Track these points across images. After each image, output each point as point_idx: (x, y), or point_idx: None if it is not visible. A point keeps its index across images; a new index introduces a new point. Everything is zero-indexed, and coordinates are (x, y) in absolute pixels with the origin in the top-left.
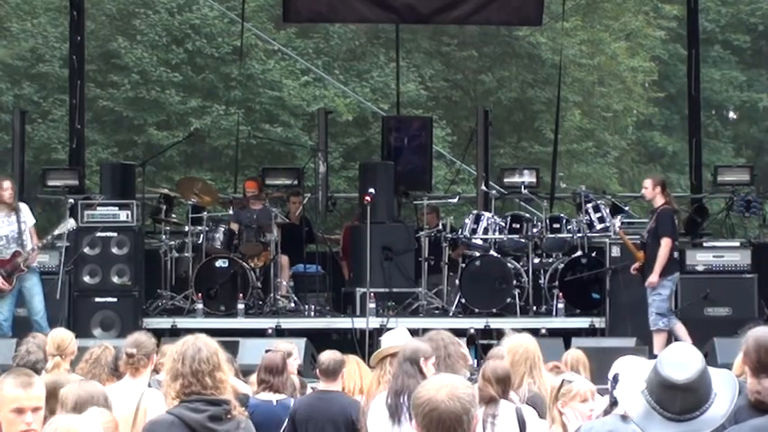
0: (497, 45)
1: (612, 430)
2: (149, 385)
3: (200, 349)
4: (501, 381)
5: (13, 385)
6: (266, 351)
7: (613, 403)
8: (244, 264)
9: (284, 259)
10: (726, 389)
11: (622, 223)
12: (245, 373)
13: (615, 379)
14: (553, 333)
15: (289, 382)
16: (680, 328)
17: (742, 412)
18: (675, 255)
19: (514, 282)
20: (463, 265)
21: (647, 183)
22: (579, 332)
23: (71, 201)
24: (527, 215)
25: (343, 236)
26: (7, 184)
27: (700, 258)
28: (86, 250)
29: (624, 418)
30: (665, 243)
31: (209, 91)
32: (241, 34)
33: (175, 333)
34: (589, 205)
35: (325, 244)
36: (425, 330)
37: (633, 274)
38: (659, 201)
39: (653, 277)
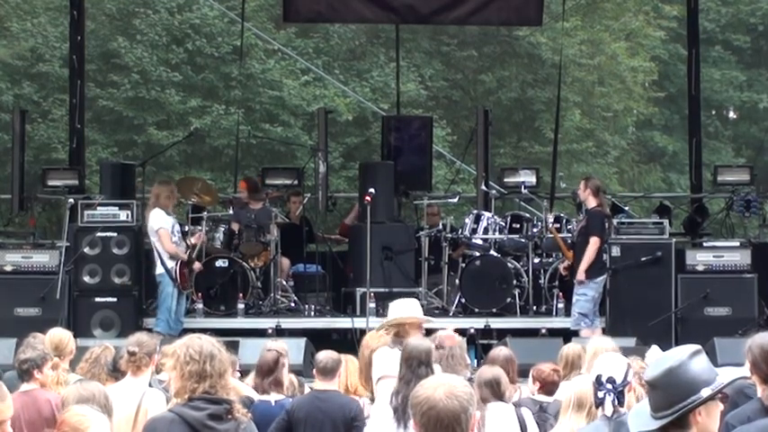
0: (497, 45)
1: None
2: (150, 385)
3: (214, 347)
4: (488, 384)
5: None
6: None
7: (599, 404)
8: (244, 264)
9: (285, 263)
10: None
11: (559, 221)
12: (244, 372)
13: (599, 380)
14: (553, 333)
15: (287, 382)
16: (597, 332)
17: (756, 416)
18: (604, 257)
19: (514, 282)
20: (463, 264)
21: (581, 184)
22: (579, 332)
23: (71, 200)
24: (527, 215)
25: (340, 231)
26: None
27: (700, 258)
28: (86, 250)
29: (608, 419)
30: (594, 242)
31: (209, 91)
32: (241, 34)
33: None
34: None
35: (325, 244)
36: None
37: (633, 274)
38: (591, 202)
39: (579, 275)
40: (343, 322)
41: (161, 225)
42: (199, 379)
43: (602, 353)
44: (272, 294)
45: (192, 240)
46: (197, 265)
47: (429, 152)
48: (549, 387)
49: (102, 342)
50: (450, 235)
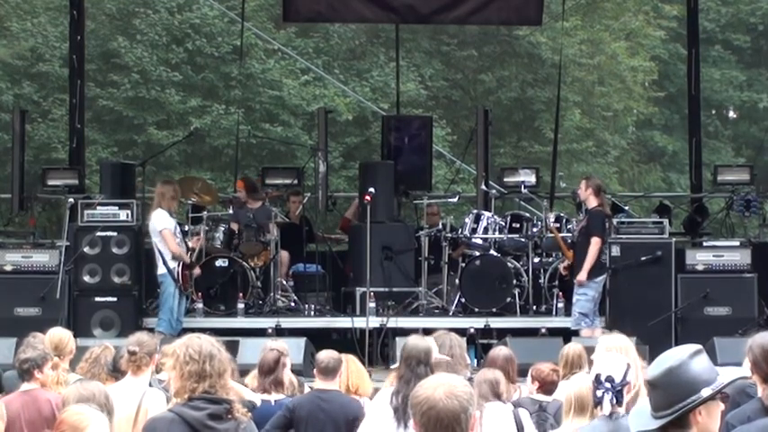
0: (497, 45)
1: None
2: (150, 385)
3: (214, 346)
4: (487, 383)
5: None
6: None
7: (597, 403)
8: (244, 263)
9: (284, 255)
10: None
11: (559, 221)
12: (243, 372)
13: (598, 380)
14: (553, 333)
15: (287, 382)
16: (597, 332)
17: (757, 415)
18: (604, 257)
19: (514, 281)
20: (463, 264)
21: (582, 183)
22: (579, 331)
23: (71, 200)
24: (527, 215)
25: (341, 225)
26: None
27: (700, 258)
28: (86, 250)
29: (606, 418)
30: (595, 242)
31: (209, 90)
32: (241, 34)
33: None
34: None
35: (325, 243)
36: (426, 330)
37: (633, 273)
38: (592, 202)
39: (581, 275)
40: (342, 322)
41: (165, 226)
42: (198, 379)
43: (613, 350)
44: (272, 294)
45: (191, 244)
46: (197, 271)
47: (429, 152)
48: (548, 387)
49: (102, 342)
50: (449, 235)
